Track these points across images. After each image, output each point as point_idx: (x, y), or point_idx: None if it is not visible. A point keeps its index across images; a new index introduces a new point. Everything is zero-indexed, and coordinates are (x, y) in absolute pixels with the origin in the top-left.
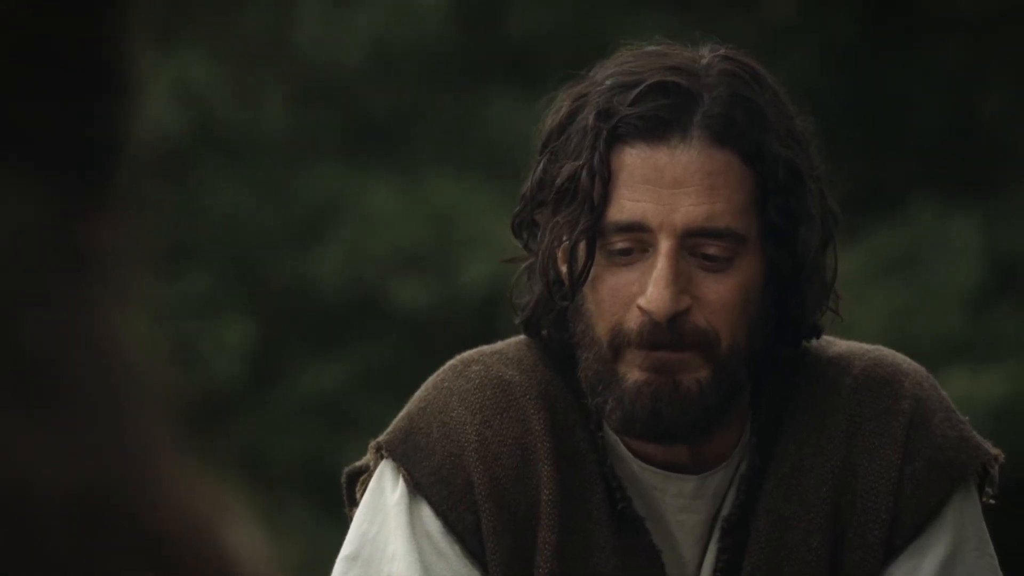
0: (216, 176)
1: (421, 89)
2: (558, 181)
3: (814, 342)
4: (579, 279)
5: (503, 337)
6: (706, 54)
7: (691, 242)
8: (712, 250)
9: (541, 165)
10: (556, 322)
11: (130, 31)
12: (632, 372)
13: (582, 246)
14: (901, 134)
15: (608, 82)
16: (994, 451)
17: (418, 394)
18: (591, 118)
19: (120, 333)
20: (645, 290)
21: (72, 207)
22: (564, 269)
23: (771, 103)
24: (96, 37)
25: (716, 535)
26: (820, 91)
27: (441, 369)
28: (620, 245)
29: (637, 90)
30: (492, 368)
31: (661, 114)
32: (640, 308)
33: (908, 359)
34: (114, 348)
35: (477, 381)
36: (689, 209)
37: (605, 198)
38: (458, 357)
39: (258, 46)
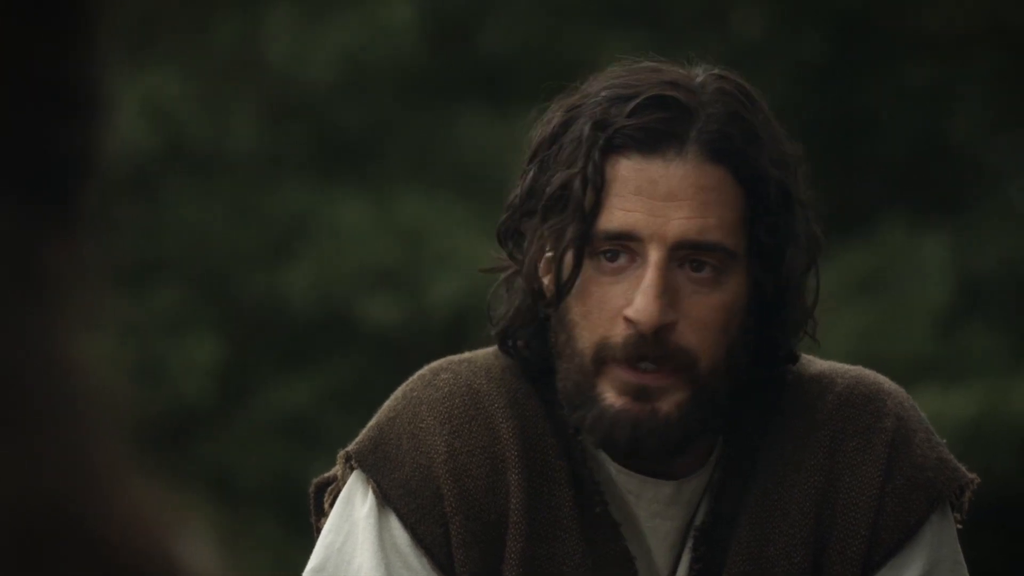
0: (186, 192)
1: (391, 106)
2: (548, 189)
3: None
4: (566, 287)
5: None
6: (700, 73)
7: (681, 255)
8: (701, 265)
9: (531, 174)
10: (533, 334)
11: (99, 50)
12: (610, 394)
13: (570, 254)
14: (870, 153)
15: (604, 94)
16: (970, 475)
17: (387, 404)
18: (586, 128)
19: (82, 352)
20: (632, 302)
21: (37, 227)
22: (549, 278)
23: (764, 124)
24: (64, 56)
25: (689, 543)
26: (789, 109)
27: (410, 379)
28: (608, 248)
29: (635, 102)
30: (461, 377)
31: (658, 127)
32: (626, 319)
33: (888, 380)
34: (75, 367)
35: (446, 390)
36: (681, 221)
37: (597, 206)
38: (427, 367)
39: (228, 63)
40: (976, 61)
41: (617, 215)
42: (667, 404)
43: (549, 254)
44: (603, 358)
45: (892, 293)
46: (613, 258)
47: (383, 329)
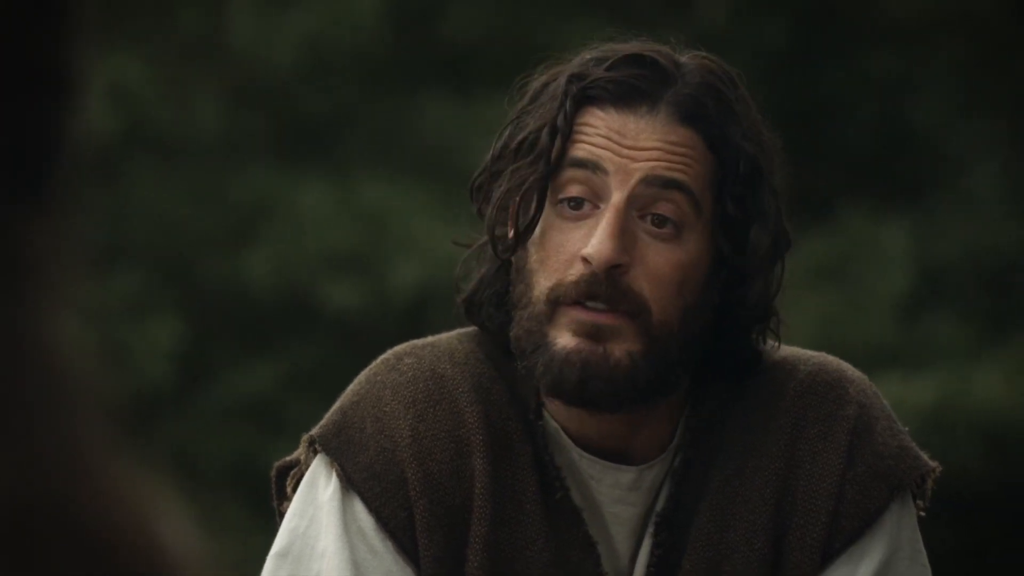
0: (148, 177)
1: (354, 91)
2: (519, 136)
3: (760, 347)
4: (527, 228)
5: None
6: (686, 53)
7: (645, 197)
8: (664, 209)
9: (506, 131)
10: (495, 301)
11: (70, 34)
12: (563, 336)
13: (532, 197)
14: (832, 141)
15: (587, 56)
16: (931, 464)
17: (351, 388)
18: (563, 81)
19: (55, 334)
20: (589, 243)
21: (8, 210)
22: (511, 224)
23: (740, 102)
24: (36, 41)
25: (650, 529)
26: (752, 97)
27: (374, 363)
28: (573, 192)
29: (614, 58)
30: (425, 361)
31: (633, 82)
32: (582, 259)
33: (851, 367)
34: (48, 349)
35: (410, 374)
36: (649, 162)
37: (563, 151)
38: (391, 351)
39: (192, 47)
40: (938, 49)
41: (584, 147)
42: (619, 349)
43: (513, 197)
44: (557, 299)
45: (853, 281)
46: (577, 206)
47: (345, 313)
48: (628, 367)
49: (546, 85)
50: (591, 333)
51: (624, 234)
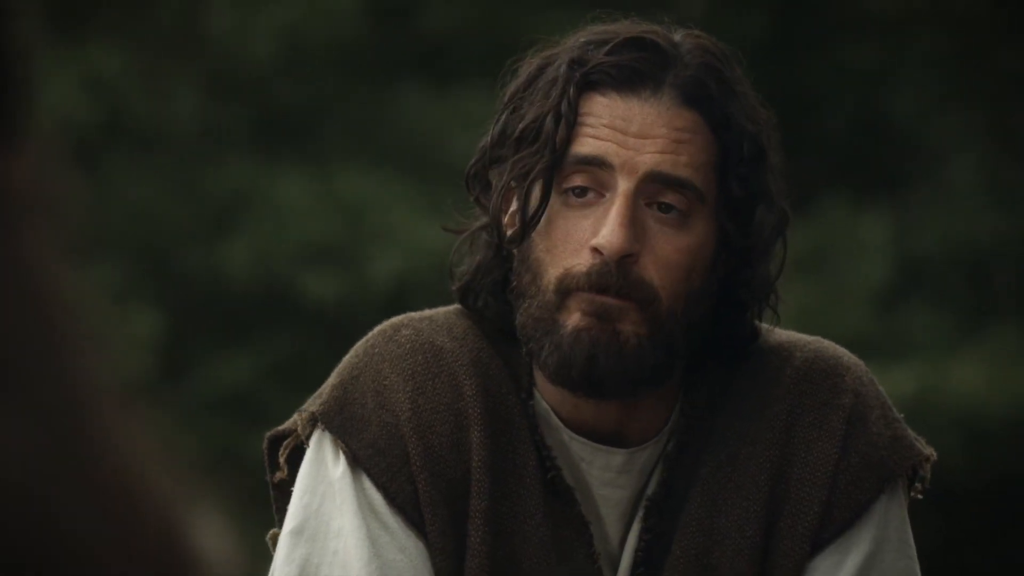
0: (126, 167)
1: (332, 83)
2: (521, 125)
3: (757, 330)
4: (534, 218)
5: None
6: (680, 32)
7: (650, 189)
8: (670, 199)
9: (503, 118)
10: (493, 289)
11: (20, 25)
12: (572, 318)
13: (538, 186)
14: (812, 133)
15: (582, 39)
16: (927, 450)
17: (348, 360)
18: (563, 67)
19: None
20: (598, 233)
21: None
22: (512, 214)
23: (739, 81)
24: None
25: (640, 513)
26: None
27: (370, 334)
28: (578, 181)
29: (614, 42)
30: (423, 333)
31: (636, 65)
32: (592, 249)
33: (848, 352)
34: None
35: (408, 346)
36: (653, 155)
37: (568, 140)
38: (387, 322)
39: (170, 38)
40: (917, 41)
41: (589, 142)
42: (627, 330)
43: (514, 186)
44: (567, 288)
45: (832, 272)
46: (581, 194)
47: (323, 304)
48: (635, 348)
49: (542, 69)
50: (600, 313)
51: (634, 223)
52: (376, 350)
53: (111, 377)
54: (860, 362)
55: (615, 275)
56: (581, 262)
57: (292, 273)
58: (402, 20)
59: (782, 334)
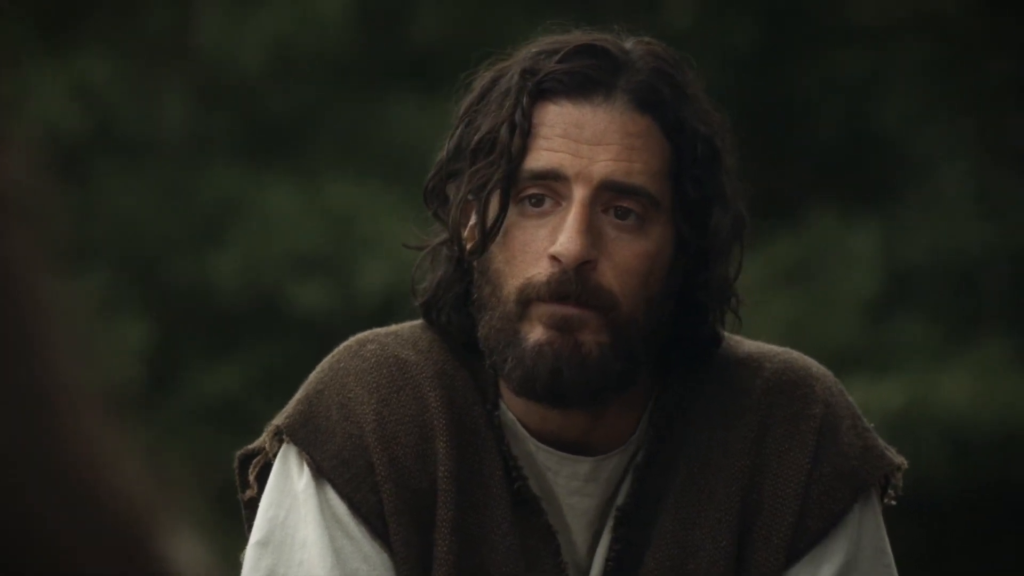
0: (115, 176)
1: (321, 92)
2: (476, 137)
3: (724, 341)
4: (492, 230)
5: None
6: (630, 40)
7: (605, 198)
8: (626, 205)
9: (457, 131)
10: (456, 304)
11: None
12: (535, 331)
13: (495, 198)
14: (799, 142)
15: (533, 50)
16: (897, 459)
17: (314, 376)
18: (515, 77)
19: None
20: (553, 242)
21: None
22: (471, 227)
23: (690, 84)
24: None
25: (610, 523)
26: (719, 98)
27: (336, 350)
28: (533, 191)
29: (565, 50)
30: (388, 348)
31: (587, 72)
32: (551, 257)
33: (817, 363)
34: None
35: (373, 360)
36: (607, 163)
37: (523, 150)
38: (352, 338)
39: (159, 47)
40: (905, 50)
41: (543, 155)
42: (589, 340)
43: (471, 199)
44: (527, 298)
45: (821, 282)
46: (538, 203)
47: (312, 314)
48: (598, 357)
49: (495, 82)
50: (561, 325)
51: (591, 230)
52: (341, 365)
53: (96, 385)
54: (829, 373)
55: (574, 283)
56: (540, 271)
57: (281, 283)
58: (392, 29)
59: (751, 345)
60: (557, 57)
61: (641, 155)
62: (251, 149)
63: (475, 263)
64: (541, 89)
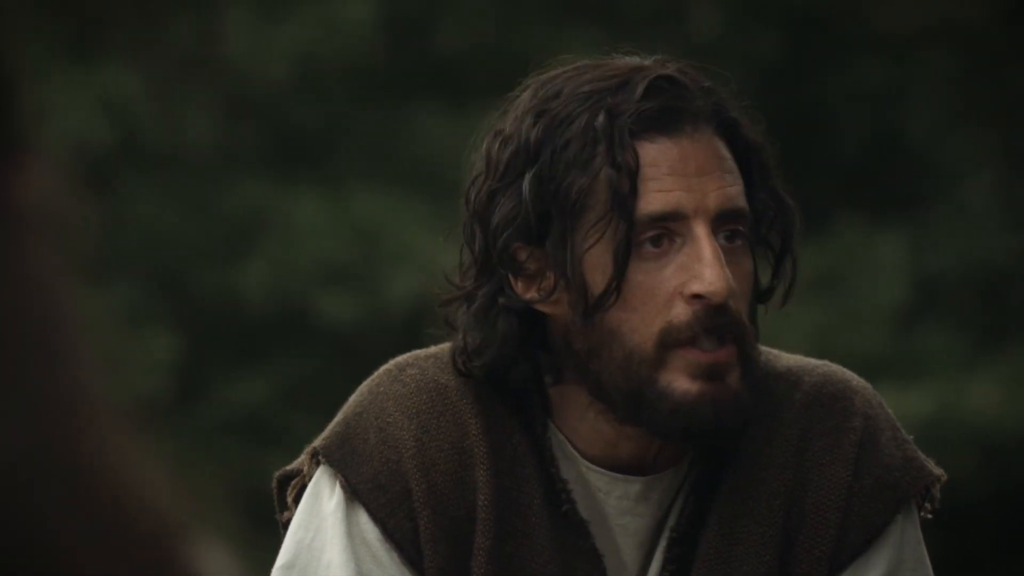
0: (142, 188)
1: (348, 103)
2: (573, 192)
3: (762, 355)
4: (615, 280)
5: None
6: (647, 59)
7: (716, 226)
8: (733, 235)
9: (526, 185)
10: (523, 356)
11: (10, 21)
12: (680, 380)
13: (615, 248)
14: (826, 152)
15: (587, 88)
16: (937, 471)
17: (353, 399)
18: (599, 119)
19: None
20: (691, 280)
21: None
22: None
23: (739, 98)
24: None
25: (663, 544)
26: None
27: (376, 373)
28: (652, 233)
29: (642, 85)
30: (428, 372)
31: (674, 104)
32: (692, 296)
33: (856, 375)
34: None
35: (413, 386)
36: (718, 192)
37: (634, 194)
38: (392, 362)
39: (185, 59)
40: (931, 60)
41: (657, 197)
42: (733, 379)
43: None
44: (668, 343)
45: (848, 292)
46: (656, 243)
47: (340, 326)
48: (744, 392)
49: (549, 130)
50: (710, 374)
51: (724, 260)
52: (381, 389)
53: (122, 397)
54: (868, 385)
55: (725, 315)
56: (679, 312)
57: (308, 294)
58: (417, 40)
59: (789, 358)
60: (638, 94)
61: (736, 177)
62: (277, 160)
63: (579, 319)
64: (632, 130)
